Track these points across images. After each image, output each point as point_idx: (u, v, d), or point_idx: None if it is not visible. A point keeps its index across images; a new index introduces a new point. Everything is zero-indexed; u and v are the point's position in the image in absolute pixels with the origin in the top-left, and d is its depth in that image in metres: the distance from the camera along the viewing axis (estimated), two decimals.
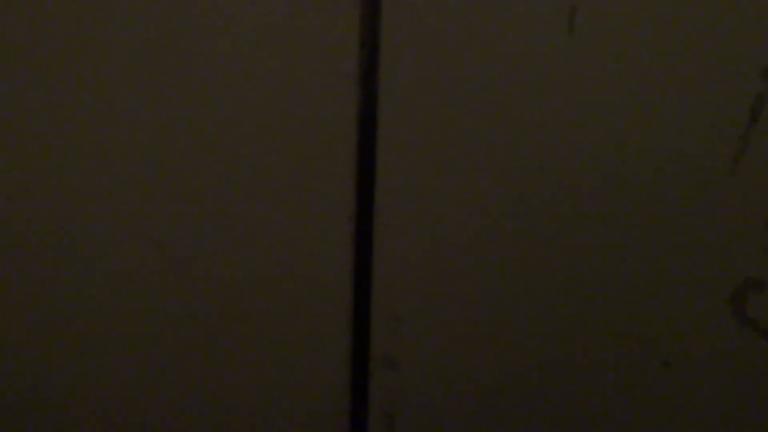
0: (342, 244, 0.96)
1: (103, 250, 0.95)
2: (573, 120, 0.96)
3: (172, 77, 0.91)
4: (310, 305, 0.98)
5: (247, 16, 0.90)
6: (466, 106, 0.95)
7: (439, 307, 0.99)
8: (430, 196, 0.97)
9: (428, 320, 1.00)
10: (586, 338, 1.01)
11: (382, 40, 0.93)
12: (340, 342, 0.99)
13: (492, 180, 0.97)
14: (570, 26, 0.93)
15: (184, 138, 0.92)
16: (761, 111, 0.96)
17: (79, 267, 0.96)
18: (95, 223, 0.94)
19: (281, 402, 1.03)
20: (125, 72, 0.91)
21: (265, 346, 0.99)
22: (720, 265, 0.99)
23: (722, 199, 0.97)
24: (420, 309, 0.99)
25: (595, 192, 0.98)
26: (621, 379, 1.03)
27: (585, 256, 1.00)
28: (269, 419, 1.04)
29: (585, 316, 1.01)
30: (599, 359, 1.02)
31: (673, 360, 1.03)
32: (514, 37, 0.94)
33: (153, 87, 0.91)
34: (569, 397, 1.03)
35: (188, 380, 1.01)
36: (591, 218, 0.99)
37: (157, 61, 0.90)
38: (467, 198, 0.98)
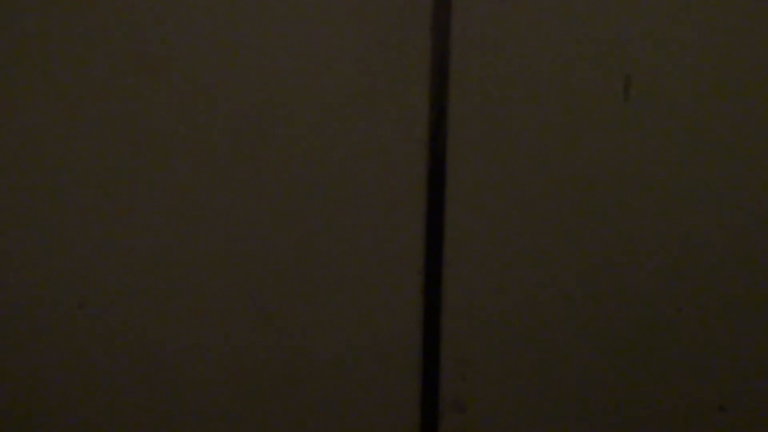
0: (412, 294, 1.02)
1: (206, 300, 1.02)
2: (630, 182, 1.01)
3: (260, 141, 0.99)
4: (383, 351, 1.03)
5: (330, 84, 0.98)
6: (528, 166, 1.01)
7: (505, 352, 1.03)
8: (496, 250, 1.02)
9: (495, 365, 1.04)
10: (646, 384, 1.04)
11: (450, 106, 0.99)
12: (411, 385, 1.04)
13: (553, 235, 1.02)
14: (626, 93, 0.99)
15: (269, 203, 1.00)
16: None
17: (185, 313, 1.02)
18: (199, 277, 1.02)
19: None
20: (222, 140, 0.99)
21: (340, 388, 1.04)
22: None
23: None
24: (487, 354, 1.03)
25: (656, 249, 1.02)
26: (678, 424, 1.05)
27: (643, 307, 1.03)
28: None
29: (645, 363, 1.04)
30: (659, 405, 1.04)
31: (729, 405, 1.04)
32: (572, 104, 0.99)
33: (249, 152, 0.99)
34: None
35: (274, 416, 1.06)
36: (649, 274, 1.02)
37: (249, 128, 0.98)
38: (530, 251, 1.02)
